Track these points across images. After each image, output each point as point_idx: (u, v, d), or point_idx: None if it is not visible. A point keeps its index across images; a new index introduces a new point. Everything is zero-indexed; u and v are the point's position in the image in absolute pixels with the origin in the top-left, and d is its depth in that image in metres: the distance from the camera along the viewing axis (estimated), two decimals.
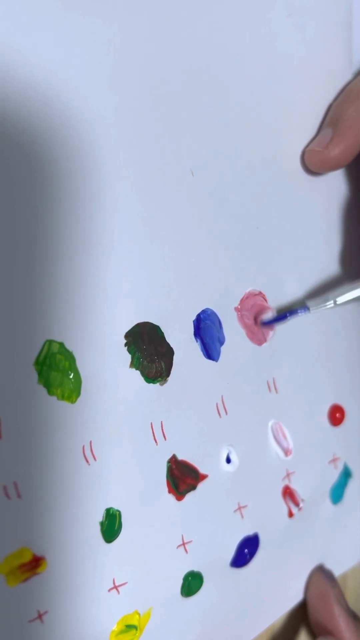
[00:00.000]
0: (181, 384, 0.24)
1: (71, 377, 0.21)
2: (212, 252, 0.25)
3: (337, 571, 0.31)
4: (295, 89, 0.27)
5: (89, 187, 0.21)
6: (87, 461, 0.21)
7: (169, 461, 0.24)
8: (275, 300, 0.27)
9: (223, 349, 0.25)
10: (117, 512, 0.22)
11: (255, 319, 0.26)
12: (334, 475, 0.30)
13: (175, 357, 0.24)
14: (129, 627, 0.23)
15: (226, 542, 0.26)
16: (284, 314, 0.26)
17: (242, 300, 0.26)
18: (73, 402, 0.21)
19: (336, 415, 0.29)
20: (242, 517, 0.26)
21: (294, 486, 0.28)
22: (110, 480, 0.22)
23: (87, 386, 0.21)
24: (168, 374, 0.23)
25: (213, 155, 0.24)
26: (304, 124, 0.27)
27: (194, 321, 0.24)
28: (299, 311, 0.26)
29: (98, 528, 0.22)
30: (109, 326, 0.22)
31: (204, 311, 0.24)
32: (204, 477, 0.25)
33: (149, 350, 0.23)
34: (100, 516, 0.22)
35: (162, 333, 0.23)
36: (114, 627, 0.23)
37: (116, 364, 0.22)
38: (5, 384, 0.19)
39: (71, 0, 0.20)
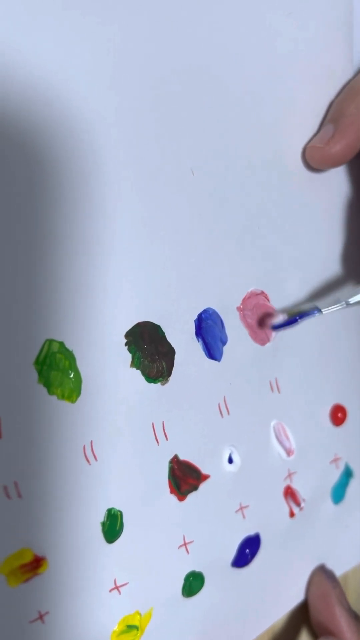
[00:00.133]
0: (183, 383, 0.24)
1: (71, 376, 0.21)
2: (213, 252, 0.24)
3: (339, 571, 0.31)
4: (296, 87, 0.26)
5: (89, 187, 0.21)
6: (88, 461, 0.21)
7: (171, 461, 0.24)
8: (278, 299, 0.27)
9: (225, 348, 0.25)
10: (119, 513, 0.22)
11: (261, 321, 0.26)
12: (336, 475, 0.30)
13: (176, 357, 0.24)
14: (130, 628, 0.23)
15: (227, 542, 0.26)
16: (294, 318, 0.25)
17: (244, 300, 0.26)
18: (73, 401, 0.21)
19: (338, 415, 0.29)
20: (244, 517, 0.26)
21: (295, 486, 0.28)
22: (111, 481, 0.22)
23: (87, 386, 0.21)
24: (169, 374, 0.23)
25: (213, 155, 0.24)
26: (304, 122, 0.27)
27: (195, 321, 0.24)
28: (309, 314, 0.25)
29: (99, 528, 0.22)
30: (109, 325, 0.22)
31: (205, 311, 0.24)
32: (205, 477, 0.25)
33: (150, 349, 0.23)
34: (101, 516, 0.22)
35: (163, 333, 0.23)
36: (115, 628, 0.23)
37: (117, 364, 0.22)
38: (5, 384, 0.19)
39: (71, 1, 0.20)
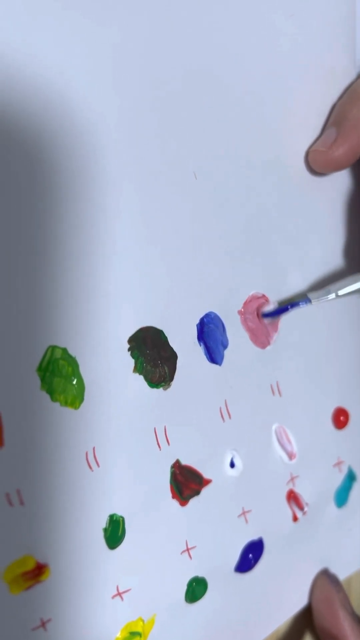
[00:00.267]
0: (185, 388, 0.24)
1: (74, 382, 0.21)
2: (214, 255, 0.24)
3: (342, 575, 0.31)
4: (298, 89, 0.26)
5: (91, 191, 0.21)
6: (90, 467, 0.21)
7: (173, 466, 0.23)
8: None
9: (226, 352, 0.25)
10: (121, 518, 0.22)
11: (257, 312, 0.26)
12: (339, 478, 0.30)
13: (178, 362, 0.23)
14: (133, 634, 0.23)
15: (230, 547, 0.26)
16: (285, 306, 0.26)
17: (245, 303, 0.25)
18: (76, 408, 0.21)
19: (340, 418, 0.29)
20: (247, 521, 0.26)
21: (298, 490, 0.28)
22: (113, 486, 0.22)
23: (90, 392, 0.21)
24: (171, 379, 0.23)
25: (215, 157, 0.24)
26: (307, 125, 0.27)
27: (197, 325, 0.24)
28: (300, 303, 0.26)
29: (101, 534, 0.22)
30: (112, 331, 0.22)
31: (207, 315, 0.24)
32: (207, 482, 0.25)
33: (153, 354, 0.23)
34: (103, 522, 0.22)
35: (166, 337, 0.23)
36: (118, 635, 0.22)
37: (120, 369, 0.22)
38: (7, 391, 0.19)
39: (71, 1, 0.20)
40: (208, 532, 0.25)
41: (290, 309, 0.26)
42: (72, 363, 0.21)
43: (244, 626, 0.27)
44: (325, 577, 0.29)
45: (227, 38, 0.24)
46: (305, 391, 0.28)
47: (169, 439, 0.23)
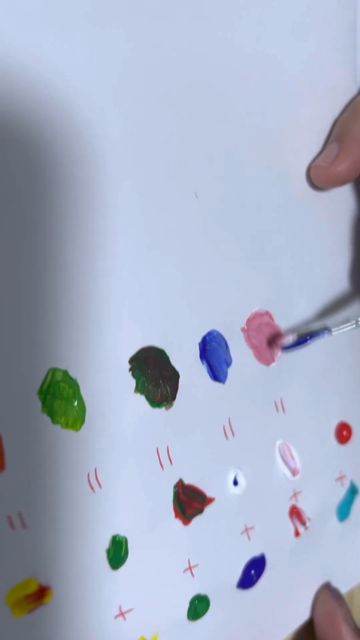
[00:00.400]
0: (187, 407, 0.23)
1: (75, 404, 0.21)
2: (217, 273, 0.24)
3: (344, 588, 0.31)
4: (300, 105, 0.26)
5: (92, 211, 0.21)
6: (92, 489, 0.21)
7: (176, 486, 0.23)
8: (283, 318, 0.26)
9: (230, 370, 0.25)
10: (124, 539, 0.22)
11: (271, 341, 0.26)
12: (341, 492, 0.30)
13: (181, 380, 0.23)
14: None
15: (233, 564, 0.26)
16: (304, 338, 0.25)
17: (248, 321, 0.25)
18: (77, 429, 0.21)
19: (343, 433, 0.29)
20: (249, 538, 0.26)
21: (300, 505, 0.28)
22: (116, 507, 0.22)
23: (91, 413, 0.21)
24: (174, 398, 0.23)
25: (217, 176, 0.24)
26: (308, 140, 0.27)
27: (199, 343, 0.24)
28: (319, 334, 0.25)
29: (104, 555, 0.22)
30: (113, 351, 0.21)
31: (209, 333, 0.24)
32: (210, 500, 0.25)
33: (154, 374, 0.22)
34: (106, 543, 0.22)
35: (167, 357, 0.23)
36: None
37: (121, 390, 0.22)
38: (9, 414, 0.19)
39: (74, 15, 0.20)
40: (210, 550, 0.25)
41: (309, 341, 0.25)
42: (73, 385, 0.21)
43: None
44: (328, 592, 0.29)
45: (228, 55, 0.24)
46: (308, 407, 0.28)
47: (172, 458, 0.23)
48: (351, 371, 0.29)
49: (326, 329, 0.25)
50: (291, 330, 0.26)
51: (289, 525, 0.28)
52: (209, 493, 0.24)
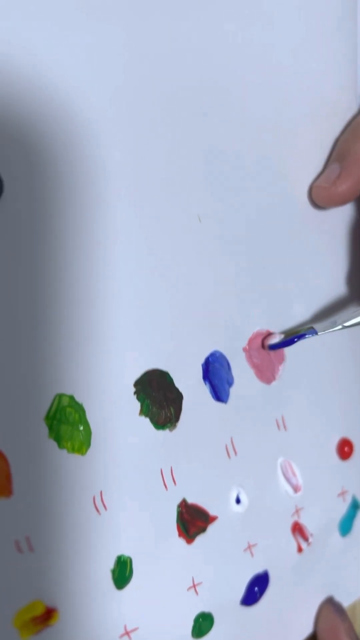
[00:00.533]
0: (190, 428, 0.24)
1: (81, 429, 0.21)
2: (218, 295, 0.24)
3: (347, 601, 0.31)
4: (301, 125, 0.26)
5: (96, 236, 0.21)
6: (97, 511, 0.21)
7: (179, 505, 0.24)
8: None
9: (232, 390, 0.25)
10: (128, 559, 0.22)
11: (263, 345, 0.26)
12: (343, 508, 0.30)
13: (184, 402, 0.24)
14: None
15: (236, 581, 0.26)
16: (291, 338, 0.26)
17: (250, 340, 0.26)
18: (83, 454, 0.21)
19: (345, 449, 0.29)
20: (252, 555, 0.26)
21: (303, 521, 0.28)
22: (121, 528, 0.22)
23: (97, 437, 0.21)
24: (177, 419, 0.23)
25: (219, 199, 0.24)
26: (309, 160, 0.27)
27: (202, 364, 0.24)
28: (306, 334, 0.26)
29: (109, 575, 0.22)
30: (117, 376, 0.22)
31: (212, 354, 0.24)
32: (213, 519, 0.25)
33: (158, 396, 0.23)
34: (111, 563, 0.22)
35: (171, 379, 0.23)
36: None
37: (126, 413, 0.22)
38: (16, 440, 0.19)
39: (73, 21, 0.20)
40: (214, 568, 0.25)
41: (296, 341, 0.26)
42: (79, 410, 0.21)
43: None
44: (330, 606, 0.30)
45: (230, 77, 0.24)
46: (310, 424, 0.28)
47: (175, 479, 0.23)
48: (351, 387, 0.30)
49: (313, 330, 0.26)
50: (280, 332, 0.26)
51: (291, 542, 0.28)
52: (212, 512, 0.25)
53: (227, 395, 0.25)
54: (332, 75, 0.27)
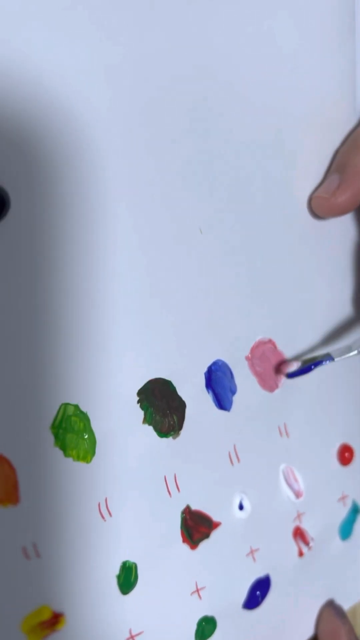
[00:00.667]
0: (194, 436, 0.24)
1: (86, 437, 0.21)
2: (221, 304, 0.25)
3: (347, 604, 0.31)
4: (300, 136, 0.27)
5: (98, 248, 0.22)
6: (103, 517, 0.22)
7: (183, 512, 0.24)
8: (287, 345, 0.27)
9: (235, 398, 0.25)
10: (133, 565, 0.23)
11: (277, 368, 0.26)
12: (343, 512, 0.30)
13: (187, 410, 0.24)
14: None
15: (238, 585, 0.26)
16: (308, 366, 0.26)
17: (252, 349, 0.26)
18: (88, 462, 0.21)
19: (345, 454, 0.30)
20: (254, 560, 0.27)
21: (304, 526, 0.29)
22: (125, 535, 0.23)
23: (101, 445, 0.22)
24: (180, 427, 0.24)
25: (220, 211, 0.25)
26: (309, 171, 0.27)
27: (205, 373, 0.25)
28: (323, 362, 0.26)
29: (115, 581, 0.22)
30: (121, 385, 0.22)
31: (215, 363, 0.25)
32: (217, 525, 0.25)
33: (162, 405, 0.23)
34: (116, 569, 0.22)
35: (174, 387, 0.24)
36: None
37: (130, 421, 0.22)
38: (23, 449, 0.20)
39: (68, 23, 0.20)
40: (217, 573, 0.25)
41: (313, 368, 0.26)
42: (84, 419, 0.21)
43: None
44: (331, 610, 0.30)
45: (229, 88, 0.24)
46: (312, 431, 0.28)
47: (179, 485, 0.24)
48: (352, 394, 0.30)
49: (329, 357, 0.26)
50: (295, 358, 0.27)
51: (292, 546, 0.28)
52: (215, 518, 0.25)
53: (231, 403, 0.25)
54: (332, 87, 0.28)
